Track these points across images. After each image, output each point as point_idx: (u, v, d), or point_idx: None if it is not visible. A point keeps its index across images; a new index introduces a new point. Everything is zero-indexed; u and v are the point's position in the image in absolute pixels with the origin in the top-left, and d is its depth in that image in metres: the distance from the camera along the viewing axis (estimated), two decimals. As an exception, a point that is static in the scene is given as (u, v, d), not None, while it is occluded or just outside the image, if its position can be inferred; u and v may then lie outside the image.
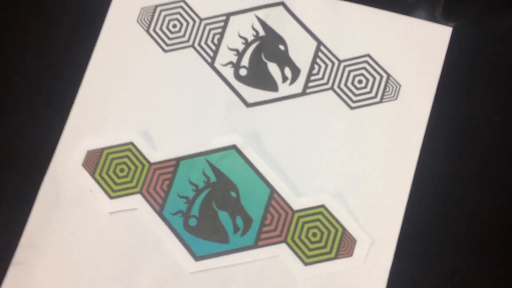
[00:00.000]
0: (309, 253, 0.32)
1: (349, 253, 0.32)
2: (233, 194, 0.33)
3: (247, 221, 0.33)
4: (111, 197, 0.33)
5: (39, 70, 0.36)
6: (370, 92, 0.34)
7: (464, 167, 0.33)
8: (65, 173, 0.34)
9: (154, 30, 0.36)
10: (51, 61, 0.36)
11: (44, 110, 0.35)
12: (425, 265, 0.32)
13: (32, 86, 0.35)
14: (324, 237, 0.32)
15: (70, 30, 0.36)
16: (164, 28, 0.36)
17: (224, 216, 0.33)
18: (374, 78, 0.34)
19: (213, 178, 0.34)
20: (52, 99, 0.35)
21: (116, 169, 0.34)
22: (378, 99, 0.34)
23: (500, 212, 0.32)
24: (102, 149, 0.34)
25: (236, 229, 0.33)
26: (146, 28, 0.36)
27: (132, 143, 0.34)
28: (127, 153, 0.34)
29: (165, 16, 0.36)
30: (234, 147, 0.34)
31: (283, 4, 0.36)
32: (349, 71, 0.34)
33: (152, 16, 0.36)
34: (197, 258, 0.33)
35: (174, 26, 0.36)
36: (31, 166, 0.34)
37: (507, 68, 0.34)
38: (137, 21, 0.36)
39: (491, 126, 0.33)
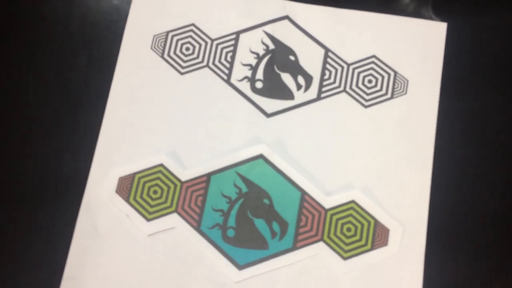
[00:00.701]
0: (347, 248, 0.34)
1: (384, 242, 0.34)
2: (266, 201, 0.35)
3: (283, 225, 0.34)
4: (148, 220, 0.34)
5: (62, 105, 0.36)
6: (381, 89, 0.36)
7: (479, 148, 0.35)
8: (100, 202, 0.34)
9: (169, 55, 0.37)
10: (74, 95, 0.37)
11: (71, 143, 0.36)
12: (458, 244, 0.34)
13: (57, 121, 0.36)
14: (358, 230, 0.34)
15: (87, 63, 0.37)
16: (178, 52, 0.37)
17: (260, 224, 0.34)
18: (383, 77, 0.37)
19: (244, 189, 0.35)
20: (78, 131, 0.36)
21: (149, 191, 0.35)
22: (389, 95, 0.36)
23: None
24: (134, 174, 0.35)
25: (273, 234, 0.34)
26: (160, 54, 0.37)
27: (162, 165, 0.35)
28: (158, 175, 0.35)
29: (177, 40, 0.38)
30: (261, 156, 0.35)
31: (288, 17, 0.38)
32: (358, 73, 0.37)
33: (165, 42, 0.38)
34: (240, 267, 0.34)
35: (187, 49, 0.37)
36: (64, 199, 0.34)
37: (501, 54, 0.37)
38: (151, 48, 0.37)
39: (497, 108, 0.36)
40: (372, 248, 0.34)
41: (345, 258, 0.33)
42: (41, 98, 0.36)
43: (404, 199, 0.34)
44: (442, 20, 0.37)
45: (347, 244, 0.34)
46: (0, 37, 0.38)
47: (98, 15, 0.38)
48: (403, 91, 0.36)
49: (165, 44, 0.37)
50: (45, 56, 0.37)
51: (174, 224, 0.34)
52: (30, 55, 0.37)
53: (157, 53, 0.37)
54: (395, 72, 0.37)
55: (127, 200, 0.35)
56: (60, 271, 0.33)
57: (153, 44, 0.37)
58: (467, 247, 0.34)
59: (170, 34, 0.38)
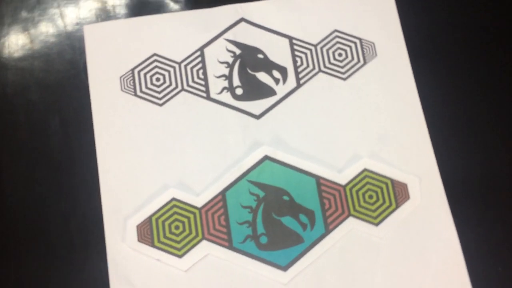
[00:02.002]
0: (375, 214, 0.35)
1: (406, 197, 0.35)
2: (286, 197, 0.35)
3: (310, 214, 0.35)
4: (180, 256, 0.33)
5: (53, 175, 0.35)
6: (353, 59, 0.38)
7: (459, 87, 0.37)
8: (125, 255, 0.33)
9: (141, 91, 0.37)
10: (59, 160, 0.35)
11: (78, 205, 0.34)
12: (472, 183, 0.36)
13: (55, 189, 0.34)
14: (379, 194, 0.35)
15: (61, 127, 0.36)
16: (149, 85, 0.37)
17: (288, 221, 0.35)
18: (350, 47, 0.38)
19: (261, 194, 0.35)
20: (79, 193, 0.34)
21: (171, 229, 0.34)
22: (362, 62, 0.38)
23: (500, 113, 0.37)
24: (150, 217, 0.34)
25: (304, 226, 0.34)
26: (133, 93, 0.37)
27: (174, 199, 0.34)
28: (174, 209, 0.34)
29: (144, 74, 0.37)
30: (266, 158, 0.35)
31: (243, 19, 0.38)
32: (327, 50, 0.38)
33: (133, 79, 0.37)
34: (284, 268, 0.34)
35: (158, 79, 0.37)
36: (88, 257, 0.33)
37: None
38: (122, 90, 0.37)
39: (458, 46, 0.38)
40: (397, 206, 0.35)
41: (377, 224, 0.34)
42: (31, 171, 0.35)
43: (409, 152, 0.36)
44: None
45: (374, 211, 0.35)
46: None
47: (56, 75, 0.37)
48: (373, 54, 0.38)
49: (134, 82, 0.37)
50: (18, 129, 0.36)
51: (207, 251, 0.34)
52: (6, 133, 0.35)
53: (129, 93, 0.37)
54: (360, 39, 0.38)
55: (152, 245, 0.34)
56: None
57: (122, 86, 0.37)
58: (481, 181, 0.35)
59: (136, 71, 0.37)
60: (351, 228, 0.34)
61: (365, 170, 0.35)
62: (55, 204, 0.34)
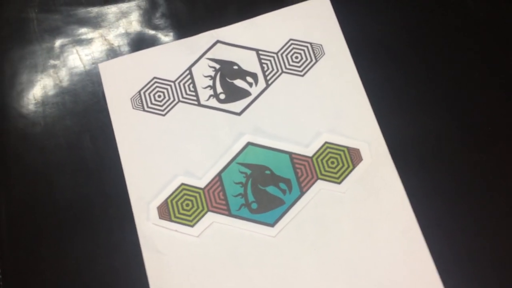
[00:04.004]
0: (337, 175, 0.45)
1: (360, 159, 0.45)
2: (268, 172, 0.45)
3: (287, 182, 0.45)
4: (192, 226, 0.44)
5: (91, 178, 0.46)
6: (307, 59, 0.48)
7: (390, 68, 0.47)
8: (151, 230, 0.44)
9: (148, 107, 0.48)
10: (92, 168, 0.46)
11: (112, 199, 0.45)
12: (410, 140, 0.45)
13: (95, 189, 0.46)
14: (339, 160, 0.45)
15: (91, 142, 0.47)
16: (153, 101, 0.48)
17: (271, 189, 0.45)
18: (303, 50, 0.48)
19: (248, 171, 0.45)
20: (113, 189, 0.45)
21: (183, 206, 0.45)
22: (314, 60, 0.48)
23: (422, 83, 0.47)
24: (166, 200, 0.45)
25: (284, 191, 0.45)
26: (142, 109, 0.48)
27: (182, 184, 0.45)
28: (184, 191, 0.45)
29: (149, 94, 0.48)
30: (249, 144, 0.46)
31: (219, 41, 0.49)
32: (286, 55, 0.48)
33: (141, 99, 0.48)
34: (272, 225, 0.44)
35: (159, 96, 0.48)
36: (126, 238, 0.44)
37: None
38: (133, 108, 0.48)
39: (389, 35, 0.48)
40: (354, 167, 0.45)
41: (339, 183, 0.44)
42: (73, 178, 0.46)
43: (359, 124, 0.46)
44: (324, -7, 0.50)
45: (336, 173, 0.45)
46: (23, 145, 0.47)
47: (83, 104, 0.48)
48: (321, 53, 0.48)
49: (141, 100, 0.48)
50: (60, 149, 0.47)
51: (212, 219, 0.44)
52: (50, 152, 0.47)
53: (139, 110, 0.48)
54: (310, 43, 0.49)
55: (170, 220, 0.44)
56: (148, 292, 0.42)
57: (133, 105, 0.48)
58: (414, 133, 0.45)
59: (142, 92, 0.48)
60: (320, 188, 0.44)
61: (326, 143, 0.46)
62: (94, 200, 0.45)
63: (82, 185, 0.46)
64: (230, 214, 0.44)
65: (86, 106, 0.48)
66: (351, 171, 0.45)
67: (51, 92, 0.49)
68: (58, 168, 0.46)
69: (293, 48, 0.48)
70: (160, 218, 0.44)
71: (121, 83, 0.48)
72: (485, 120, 0.45)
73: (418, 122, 0.46)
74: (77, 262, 0.43)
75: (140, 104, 0.48)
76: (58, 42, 0.51)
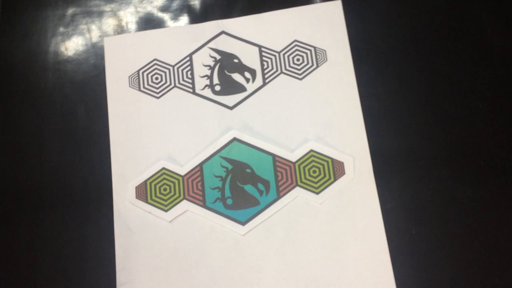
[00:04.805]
0: (317, 185, 0.44)
1: (342, 172, 0.44)
2: (248, 170, 0.45)
3: (266, 184, 0.45)
4: (166, 210, 0.45)
5: (79, 146, 0.47)
6: (308, 63, 0.47)
7: (390, 84, 0.46)
8: (127, 208, 0.45)
9: (144, 87, 0.48)
10: (81, 137, 0.47)
11: (92, 170, 0.46)
12: (395, 160, 0.44)
13: (80, 156, 0.47)
14: (321, 170, 0.45)
15: (85, 112, 0.48)
16: (150, 82, 0.48)
17: (249, 188, 0.45)
18: (306, 53, 0.48)
19: (230, 166, 0.45)
20: (94, 161, 0.46)
21: (161, 190, 0.45)
22: (315, 65, 0.47)
23: (422, 102, 0.46)
24: (146, 181, 0.46)
25: (260, 192, 0.45)
26: (138, 88, 0.48)
27: (164, 168, 0.46)
28: (164, 176, 0.46)
29: (147, 74, 0.49)
30: (235, 139, 0.46)
31: (223, 32, 0.49)
32: (288, 56, 0.48)
33: (138, 78, 0.49)
34: (243, 223, 0.44)
35: (157, 78, 0.48)
36: (101, 212, 0.45)
37: (387, 12, 0.48)
38: (130, 86, 0.48)
39: (394, 52, 0.47)
40: (335, 180, 0.44)
41: (317, 193, 0.44)
42: (61, 145, 0.47)
43: (347, 137, 0.45)
44: (337, -2, 0.49)
45: (316, 183, 0.44)
46: (16, 106, 0.49)
47: (84, 75, 0.49)
48: (324, 59, 0.47)
49: (139, 80, 0.48)
50: (55, 113, 0.48)
51: (186, 208, 0.45)
52: (43, 115, 0.48)
53: (134, 89, 0.48)
54: (314, 47, 0.48)
55: (146, 201, 0.45)
56: (112, 266, 0.43)
57: (130, 83, 0.48)
58: (402, 157, 0.44)
59: (141, 72, 0.49)
60: (297, 195, 0.44)
61: (311, 151, 0.45)
62: (78, 169, 0.47)
63: (69, 152, 0.47)
64: (205, 206, 0.45)
65: (86, 78, 0.49)
66: (331, 183, 0.44)
67: (55, 59, 0.50)
68: (50, 132, 0.48)
69: (296, 49, 0.48)
70: (136, 198, 0.45)
71: (122, 60, 0.49)
72: (478, 154, 0.43)
73: (409, 147, 0.45)
74: (51, 226, 0.45)
75: (137, 84, 0.48)
76: (70, 11, 0.52)
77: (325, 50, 0.47)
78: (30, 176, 0.47)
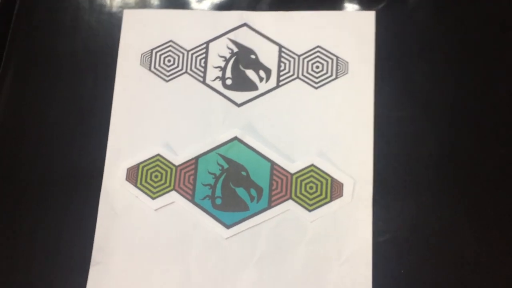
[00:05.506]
0: (311, 202, 0.42)
1: (340, 194, 0.42)
2: (244, 173, 0.43)
3: (259, 190, 0.43)
4: (153, 198, 0.44)
5: (78, 117, 0.46)
6: (327, 72, 0.45)
7: (411, 110, 0.43)
8: (115, 188, 0.44)
9: (155, 67, 0.47)
10: (85, 108, 0.46)
11: (88, 145, 0.45)
12: (398, 191, 0.42)
13: (75, 129, 0.46)
14: (318, 187, 0.42)
15: (93, 82, 0.47)
16: (161, 64, 0.47)
17: (241, 191, 0.43)
18: (327, 62, 0.45)
19: (225, 165, 0.44)
20: (92, 135, 0.45)
21: (152, 176, 0.44)
22: (334, 76, 0.44)
23: (444, 135, 0.42)
24: (138, 164, 0.44)
25: (252, 198, 0.43)
26: (148, 68, 0.47)
27: (159, 155, 0.44)
28: (157, 162, 0.44)
29: (160, 55, 0.47)
30: (236, 138, 0.44)
31: (246, 24, 0.47)
32: (307, 61, 0.45)
33: (151, 57, 0.47)
34: (228, 226, 0.42)
35: (169, 60, 0.47)
36: (87, 189, 0.44)
37: (422, 33, 0.44)
38: (140, 64, 0.47)
39: (422, 76, 0.44)
40: (331, 200, 0.42)
41: (310, 210, 0.42)
42: (61, 114, 0.46)
43: (352, 158, 0.42)
44: (372, 9, 0.45)
45: (310, 199, 0.42)
46: (27, 67, 0.48)
47: (98, 44, 0.48)
48: (345, 71, 0.44)
49: (151, 59, 0.47)
50: (61, 81, 0.47)
51: (174, 199, 0.43)
52: (50, 81, 0.47)
53: (145, 68, 0.47)
54: (337, 57, 0.45)
55: (135, 185, 0.44)
56: (90, 245, 0.43)
57: (142, 61, 0.47)
58: (406, 190, 0.41)
59: (154, 51, 0.47)
60: (289, 209, 0.42)
61: (312, 165, 0.43)
62: (75, 137, 0.46)
63: (69, 120, 0.46)
64: (193, 201, 0.43)
65: (100, 48, 0.48)
66: (326, 203, 0.42)
67: (73, 23, 0.49)
68: (55, 96, 0.47)
69: (318, 56, 0.45)
70: (126, 179, 0.44)
71: (138, 35, 0.47)
72: (488, 203, 0.40)
73: (416, 181, 0.41)
74: (35, 198, 0.45)
75: (148, 63, 0.47)
76: (96, -24, 0.50)
77: (347, 62, 0.44)
78: (26, 134, 0.46)
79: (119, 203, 0.44)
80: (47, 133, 0.46)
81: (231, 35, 0.46)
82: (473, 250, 0.39)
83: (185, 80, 0.46)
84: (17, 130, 0.47)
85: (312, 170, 0.43)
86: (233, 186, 0.43)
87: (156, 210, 0.43)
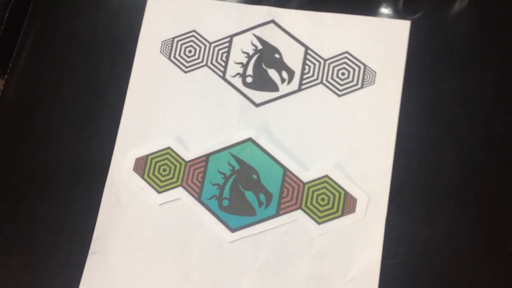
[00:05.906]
0: (321, 214, 0.40)
1: (352, 210, 0.40)
2: (254, 176, 0.42)
3: (268, 196, 0.41)
4: (159, 192, 0.42)
5: (91, 102, 0.45)
6: (352, 81, 0.42)
7: (436, 130, 0.41)
8: (121, 178, 0.43)
9: (175, 57, 0.45)
10: (99, 93, 0.45)
11: (98, 132, 0.44)
12: (413, 213, 0.40)
13: (86, 114, 0.45)
14: (331, 200, 0.40)
15: (110, 67, 0.46)
16: (182, 54, 0.45)
17: (249, 195, 0.41)
18: (354, 70, 0.43)
19: (237, 166, 0.42)
20: (103, 122, 0.44)
21: (160, 169, 0.43)
22: (359, 85, 0.42)
23: (467, 160, 0.40)
24: (147, 156, 0.43)
25: (260, 203, 0.41)
26: (168, 57, 0.45)
27: (169, 148, 0.43)
28: (167, 156, 0.43)
29: (181, 44, 0.45)
30: (250, 140, 0.42)
31: (273, 21, 0.44)
32: (333, 67, 0.43)
33: (172, 46, 0.45)
34: (233, 230, 0.41)
35: (190, 51, 0.45)
36: (93, 176, 0.43)
37: (457, 47, 0.42)
38: (160, 52, 0.45)
39: (452, 96, 0.41)
40: (342, 215, 0.40)
41: (319, 223, 0.40)
42: (74, 96, 0.45)
43: (369, 173, 0.40)
44: (407, 18, 0.43)
45: (321, 212, 0.40)
46: (43, 48, 0.47)
47: (119, 27, 0.47)
48: (371, 81, 0.42)
49: (171, 48, 0.45)
50: (77, 62, 0.46)
51: (180, 195, 0.42)
52: (67, 62, 0.46)
53: (165, 56, 0.45)
54: (365, 65, 0.42)
55: (142, 177, 0.43)
56: (90, 234, 0.42)
57: (162, 49, 0.45)
58: (422, 213, 0.39)
59: (176, 40, 0.45)
60: (297, 219, 0.40)
61: (326, 176, 0.41)
62: (88, 118, 0.45)
63: (84, 101, 0.45)
64: (199, 199, 0.42)
65: (121, 31, 0.46)
66: (337, 217, 0.40)
67: (97, 3, 0.48)
68: (71, 76, 0.46)
69: (345, 62, 0.43)
70: (133, 170, 0.43)
71: (161, 22, 0.46)
72: (507, 238, 0.38)
73: (434, 205, 0.39)
74: (44, 175, 0.44)
75: (168, 51, 0.45)
76: (124, -44, 0.49)
77: (375, 72, 0.42)
78: (39, 115, 0.45)
79: (123, 193, 0.43)
80: (58, 116, 0.45)
81: (256, 31, 0.44)
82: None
83: (204, 73, 0.44)
84: (29, 111, 0.46)
85: (326, 181, 0.41)
86: (242, 188, 0.42)
87: (160, 204, 0.42)
